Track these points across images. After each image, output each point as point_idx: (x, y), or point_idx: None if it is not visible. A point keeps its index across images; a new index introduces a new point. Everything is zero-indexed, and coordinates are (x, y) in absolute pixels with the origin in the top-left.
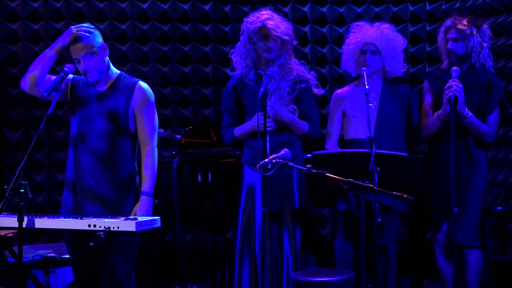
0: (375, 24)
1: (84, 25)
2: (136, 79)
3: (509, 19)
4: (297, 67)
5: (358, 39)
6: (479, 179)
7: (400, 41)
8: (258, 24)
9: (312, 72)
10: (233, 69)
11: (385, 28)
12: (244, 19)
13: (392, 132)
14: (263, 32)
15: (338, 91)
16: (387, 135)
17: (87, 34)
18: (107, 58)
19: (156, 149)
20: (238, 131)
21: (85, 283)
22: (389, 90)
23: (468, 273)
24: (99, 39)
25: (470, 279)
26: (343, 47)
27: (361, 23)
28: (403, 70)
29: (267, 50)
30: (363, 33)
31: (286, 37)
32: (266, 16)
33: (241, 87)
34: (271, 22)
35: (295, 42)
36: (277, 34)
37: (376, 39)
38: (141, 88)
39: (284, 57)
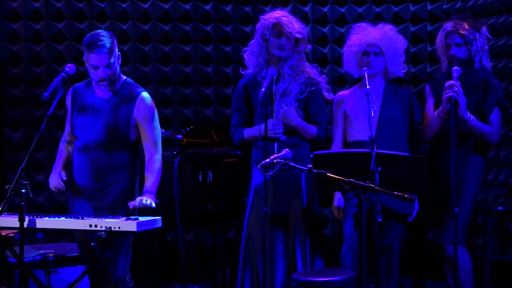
0: (378, 25)
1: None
2: (138, 89)
3: (510, 19)
4: (308, 70)
5: (362, 41)
6: (470, 183)
7: (402, 42)
8: (273, 20)
9: (324, 75)
10: (245, 68)
11: (388, 29)
12: (260, 17)
13: (393, 132)
14: (276, 28)
15: (340, 92)
16: (388, 135)
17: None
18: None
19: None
20: (247, 133)
21: (95, 281)
22: (391, 91)
23: (460, 277)
24: (116, 48)
25: (463, 283)
26: (344, 48)
27: (362, 24)
28: (404, 71)
29: (279, 48)
30: (366, 34)
31: (299, 35)
32: (281, 13)
33: (252, 86)
34: (285, 19)
35: (309, 46)
36: (290, 31)
37: (379, 40)
38: (143, 100)
39: (296, 58)
